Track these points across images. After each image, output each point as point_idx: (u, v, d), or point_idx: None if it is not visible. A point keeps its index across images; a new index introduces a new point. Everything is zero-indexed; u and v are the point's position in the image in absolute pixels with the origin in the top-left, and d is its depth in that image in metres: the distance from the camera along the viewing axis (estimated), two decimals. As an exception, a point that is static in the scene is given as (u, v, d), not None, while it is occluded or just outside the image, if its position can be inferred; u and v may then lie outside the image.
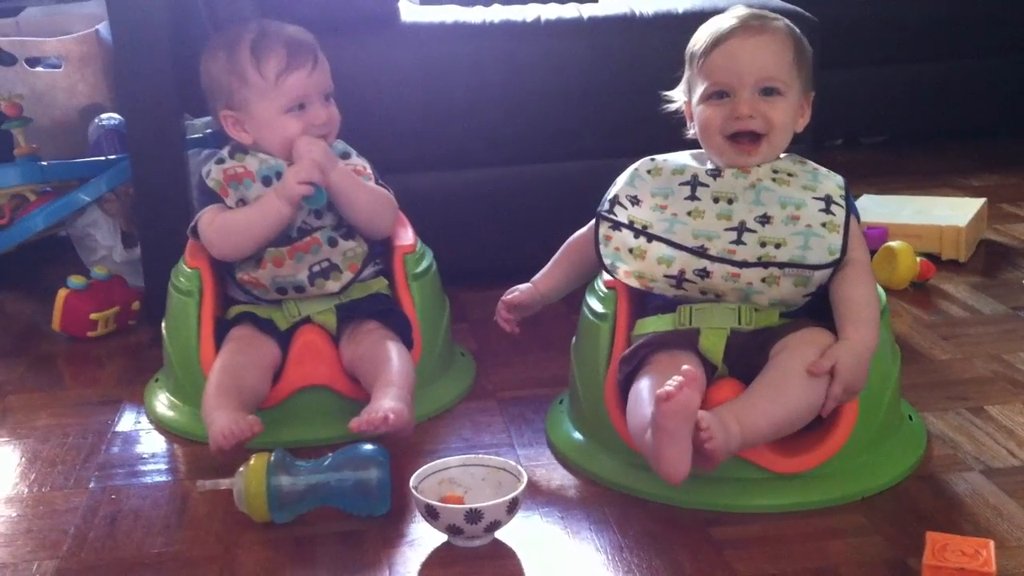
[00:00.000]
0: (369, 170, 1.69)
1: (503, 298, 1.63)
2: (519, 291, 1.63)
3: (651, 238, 1.45)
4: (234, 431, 1.40)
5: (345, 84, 1.73)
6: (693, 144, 1.53)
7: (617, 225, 1.48)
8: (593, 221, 1.51)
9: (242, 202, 1.63)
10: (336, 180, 1.60)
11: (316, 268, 1.62)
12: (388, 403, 1.44)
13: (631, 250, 1.46)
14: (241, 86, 1.62)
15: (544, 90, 2.07)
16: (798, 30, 1.50)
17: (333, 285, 1.63)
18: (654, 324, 1.46)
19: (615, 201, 1.49)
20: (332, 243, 1.64)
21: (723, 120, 1.45)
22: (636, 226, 1.46)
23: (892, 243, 2.11)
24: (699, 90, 1.47)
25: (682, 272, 1.43)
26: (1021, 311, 1.97)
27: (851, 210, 1.44)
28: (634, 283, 1.47)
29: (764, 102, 1.45)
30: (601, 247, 1.49)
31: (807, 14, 2.13)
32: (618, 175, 1.54)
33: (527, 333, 1.65)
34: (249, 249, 1.61)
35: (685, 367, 1.25)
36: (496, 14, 2.11)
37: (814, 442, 1.39)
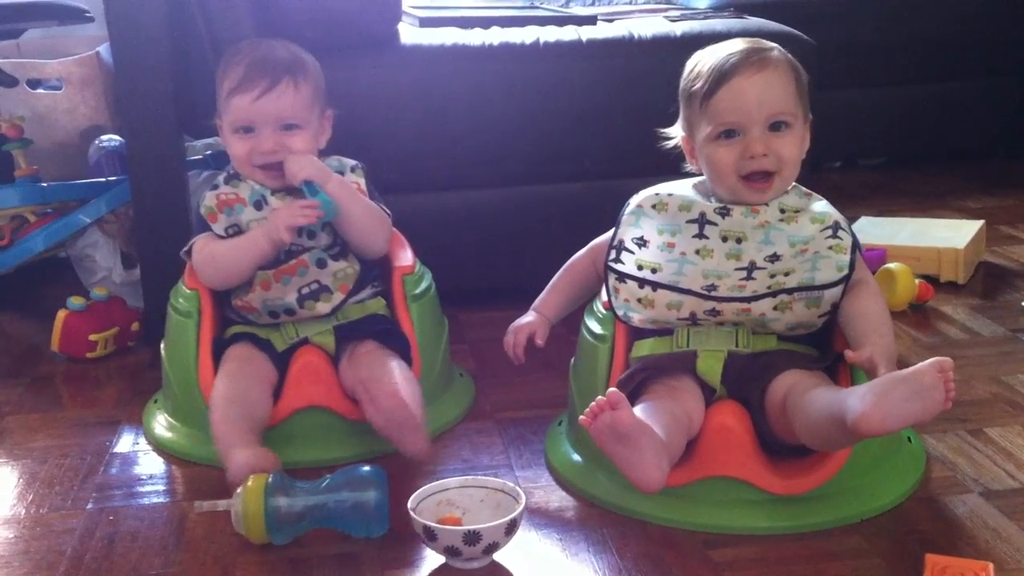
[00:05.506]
0: (364, 186, 1.68)
1: (520, 340, 1.60)
2: (533, 328, 1.60)
3: (656, 286, 1.45)
4: (254, 468, 1.38)
5: (345, 105, 1.73)
6: (690, 171, 1.53)
7: (623, 277, 1.47)
8: (591, 244, 1.51)
9: (235, 227, 1.63)
10: (333, 192, 1.59)
11: (305, 290, 1.61)
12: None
13: (639, 300, 1.46)
14: (217, 95, 1.64)
15: (543, 112, 2.08)
16: (792, 56, 1.49)
17: (324, 307, 1.62)
18: (651, 346, 1.47)
19: (620, 247, 1.48)
20: (321, 264, 1.62)
21: (736, 160, 1.43)
22: (643, 272, 1.45)
23: (890, 265, 2.11)
24: (705, 130, 1.45)
25: (693, 314, 1.44)
26: (1020, 333, 1.97)
27: (855, 240, 1.44)
28: (651, 327, 1.47)
29: (775, 138, 1.43)
30: (613, 299, 1.48)
31: (805, 37, 2.14)
32: (616, 195, 1.54)
33: (526, 354, 1.65)
34: (235, 280, 1.62)
35: (611, 390, 1.24)
36: (495, 37, 2.12)
37: (813, 464, 1.39)
